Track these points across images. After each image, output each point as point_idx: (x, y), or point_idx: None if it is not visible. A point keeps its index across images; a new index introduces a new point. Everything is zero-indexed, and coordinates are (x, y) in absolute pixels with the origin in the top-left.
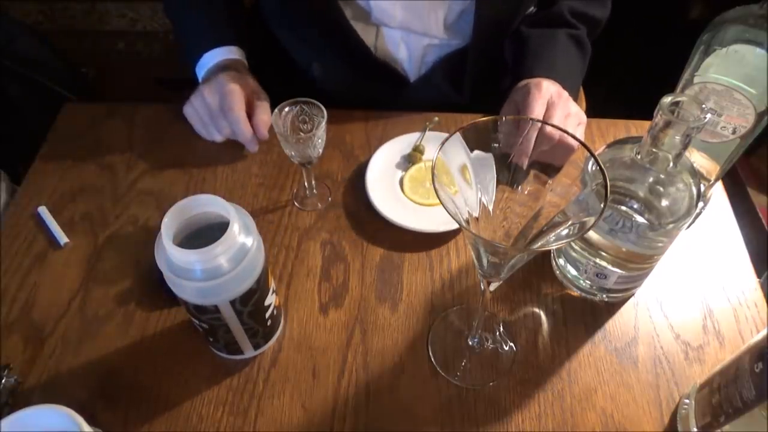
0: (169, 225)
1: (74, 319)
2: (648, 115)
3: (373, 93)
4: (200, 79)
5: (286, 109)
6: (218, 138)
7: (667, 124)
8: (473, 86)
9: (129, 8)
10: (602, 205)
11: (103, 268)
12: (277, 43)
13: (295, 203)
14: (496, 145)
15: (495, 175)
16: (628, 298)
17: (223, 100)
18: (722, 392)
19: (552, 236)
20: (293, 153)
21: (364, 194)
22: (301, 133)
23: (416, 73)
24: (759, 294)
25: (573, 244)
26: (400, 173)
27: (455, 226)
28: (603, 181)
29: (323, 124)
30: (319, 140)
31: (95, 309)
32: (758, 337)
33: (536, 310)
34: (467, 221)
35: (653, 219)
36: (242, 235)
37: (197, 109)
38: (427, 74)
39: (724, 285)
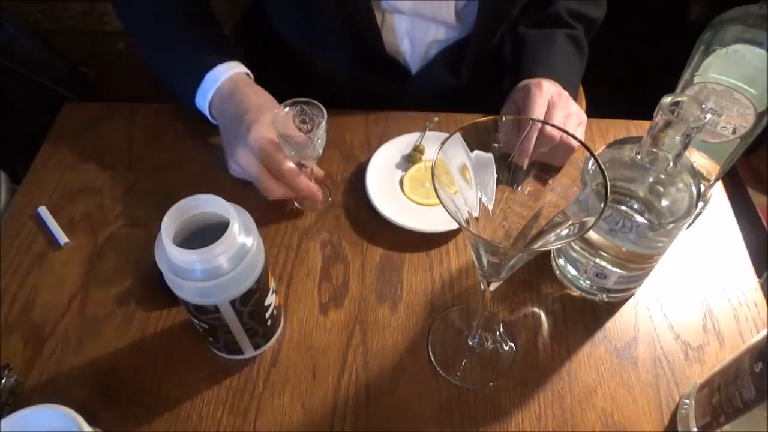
0: (169, 225)
1: (74, 319)
2: (648, 115)
3: (374, 85)
4: (207, 108)
5: (286, 109)
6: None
7: (667, 124)
8: (472, 71)
9: None
10: (602, 205)
11: (103, 268)
12: (278, 42)
13: (295, 203)
14: (496, 145)
15: (495, 175)
16: (628, 298)
17: (269, 161)
18: (722, 392)
19: (552, 236)
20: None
21: (364, 194)
22: (301, 133)
23: (418, 66)
24: (759, 294)
25: (573, 244)
26: (400, 173)
27: (455, 226)
28: (603, 181)
29: (323, 124)
30: (319, 140)
31: (95, 309)
32: (758, 337)
33: (536, 310)
34: (467, 221)
35: (653, 219)
36: (242, 235)
37: (240, 175)
38: (429, 65)
39: (724, 285)
